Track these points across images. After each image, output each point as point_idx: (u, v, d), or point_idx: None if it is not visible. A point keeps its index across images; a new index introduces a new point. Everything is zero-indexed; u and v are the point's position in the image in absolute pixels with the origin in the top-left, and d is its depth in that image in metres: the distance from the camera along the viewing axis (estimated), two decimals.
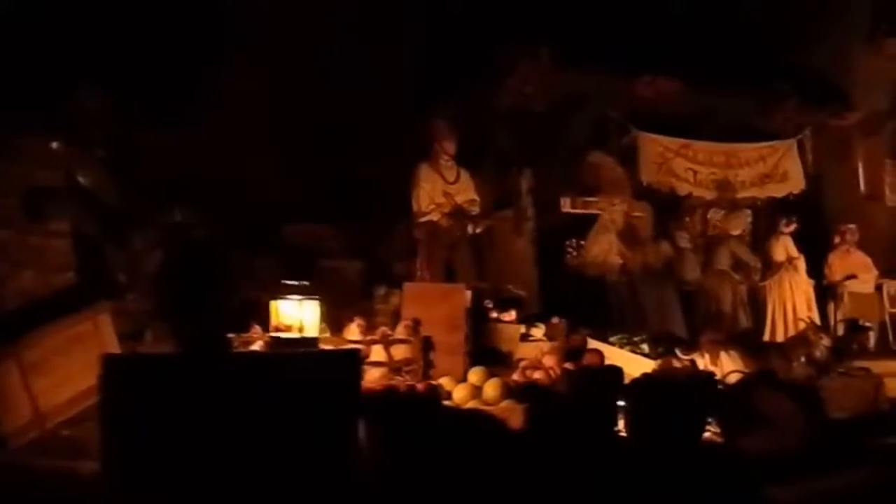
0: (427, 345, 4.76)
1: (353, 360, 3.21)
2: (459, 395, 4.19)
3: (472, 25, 8.79)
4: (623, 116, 9.70)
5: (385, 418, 3.29)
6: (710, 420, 4.61)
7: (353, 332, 5.03)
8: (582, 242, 9.08)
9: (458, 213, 7.66)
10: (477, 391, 4.18)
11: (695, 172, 10.19)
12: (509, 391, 4.21)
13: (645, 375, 4.66)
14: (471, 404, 4.13)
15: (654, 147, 9.92)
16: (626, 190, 10.13)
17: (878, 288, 9.79)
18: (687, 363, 6.14)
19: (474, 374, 4.37)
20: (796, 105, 10.09)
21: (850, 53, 10.81)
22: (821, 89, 10.56)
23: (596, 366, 4.58)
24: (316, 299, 4.10)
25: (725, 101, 10.05)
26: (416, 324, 4.79)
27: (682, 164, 10.12)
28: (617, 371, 4.49)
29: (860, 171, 11.47)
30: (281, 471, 3.01)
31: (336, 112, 9.15)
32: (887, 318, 9.66)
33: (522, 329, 6.74)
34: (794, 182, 10.74)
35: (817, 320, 9.14)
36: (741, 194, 10.49)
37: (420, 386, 3.73)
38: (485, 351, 5.78)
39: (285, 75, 9.07)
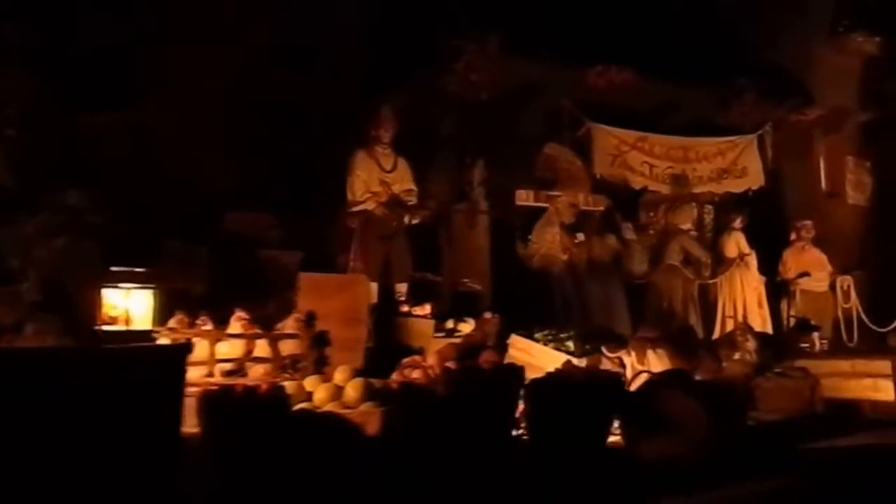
0: (321, 340, 4.25)
1: (175, 357, 2.69)
2: (319, 396, 3.69)
3: (423, 10, 8.23)
4: (577, 107, 9.16)
5: (213, 422, 2.78)
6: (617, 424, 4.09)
7: (234, 326, 4.52)
8: (530, 236, 8.56)
9: (395, 203, 7.12)
10: (339, 392, 3.68)
11: (651, 166, 9.69)
12: (372, 392, 3.71)
13: (547, 375, 4.15)
14: (329, 406, 3.63)
15: (609, 139, 9.41)
16: (585, 183, 9.63)
17: (833, 286, 9.29)
18: (615, 361, 5.64)
19: (340, 374, 3.87)
20: (755, 100, 9.56)
21: (811, 49, 10.33)
22: (781, 85, 10.05)
23: (491, 364, 4.08)
24: (151, 288, 3.58)
25: (683, 95, 9.53)
26: (310, 317, 4.27)
27: (638, 157, 9.61)
28: (514, 371, 3.98)
29: (822, 168, 11.01)
30: (85, 481, 2.48)
31: (284, 99, 8.59)
32: (840, 315, 9.15)
33: (453, 324, 6.20)
34: (754, 178, 10.26)
35: (768, 318, 8.66)
36: (698, 189, 10.00)
37: (263, 386, 3.22)
38: (394, 347, 5.26)
39: (232, 60, 8.52)
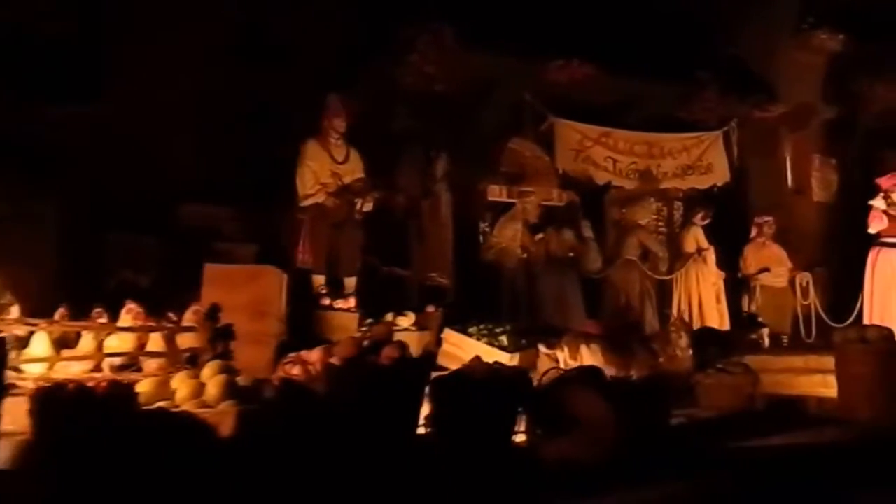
0: (224, 333, 3.96)
1: None
2: (181, 393, 3.41)
3: (380, 1, 7.92)
4: (540, 102, 8.84)
5: (42, 421, 2.51)
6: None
7: (124, 318, 4.23)
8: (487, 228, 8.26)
9: (345, 192, 6.82)
10: (202, 389, 3.40)
11: (615, 161, 9.39)
12: (235, 391, 3.42)
13: (450, 373, 3.87)
14: (189, 404, 3.36)
15: (572, 134, 9.11)
16: (552, 178, 9.33)
17: (793, 282, 8.99)
18: (551, 357, 5.35)
19: (207, 370, 3.59)
20: (718, 96, 9.24)
21: (776, 46, 10.00)
22: (745, 81, 9.73)
23: (390, 360, 3.80)
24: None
25: (646, 90, 9.22)
26: (213, 310, 3.98)
27: (602, 152, 9.31)
28: (417, 367, 3.69)
29: (788, 165, 10.69)
30: None
31: (245, 92, 8.29)
32: (799, 311, 8.85)
33: (392, 317, 5.91)
34: (719, 174, 9.96)
35: (725, 314, 8.37)
36: (663, 185, 9.69)
37: (103, 384, 2.94)
38: (311, 342, 4.96)
39: (194, 54, 8.22)
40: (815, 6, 9.66)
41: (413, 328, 6.02)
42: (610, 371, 5.31)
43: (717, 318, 8.15)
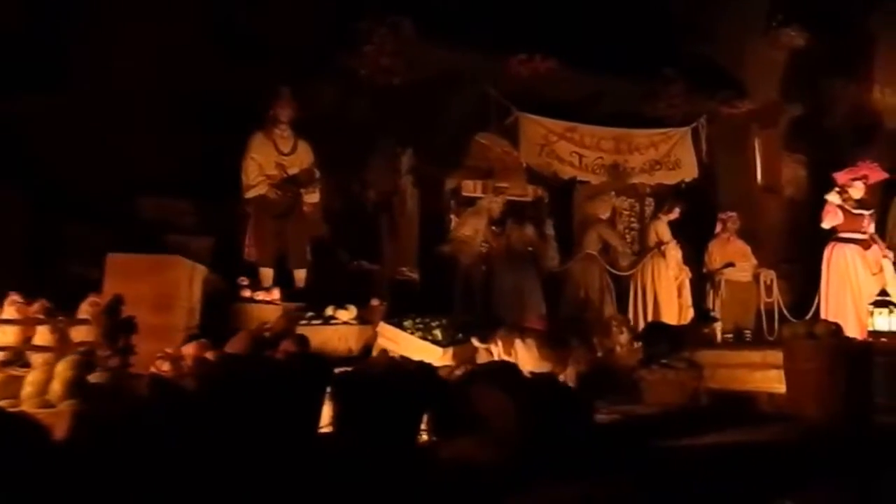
0: (125, 327, 3.65)
1: None
2: (26, 391, 3.09)
3: None
4: (504, 96, 8.51)
5: None
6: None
7: (7, 310, 3.91)
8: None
9: (290, 183, 6.52)
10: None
11: (580, 157, 9.06)
12: (80, 389, 3.11)
13: (353, 368, 3.56)
14: (32, 402, 3.05)
15: (537, 129, 8.79)
16: (521, 174, 9.00)
17: (757, 278, 8.66)
18: (486, 351, 5.04)
19: (61, 365, 3.27)
20: (684, 91, 8.89)
21: (745, 42, 9.65)
22: (713, 77, 9.38)
23: (286, 355, 3.49)
24: None
25: (611, 85, 8.88)
26: (114, 302, 3.65)
27: (567, 147, 8.98)
28: (315, 362, 3.38)
29: (758, 162, 10.35)
30: None
31: (207, 84, 7.97)
32: (762, 307, 8.52)
33: (332, 311, 5.59)
34: (687, 170, 9.62)
35: (687, 309, 8.03)
36: (631, 180, 9.37)
37: None
38: (228, 336, 4.62)
39: (157, 46, 7.91)
40: (784, 4, 9.31)
41: (354, 322, 5.70)
42: (545, 366, 5.02)
43: (676, 313, 7.82)
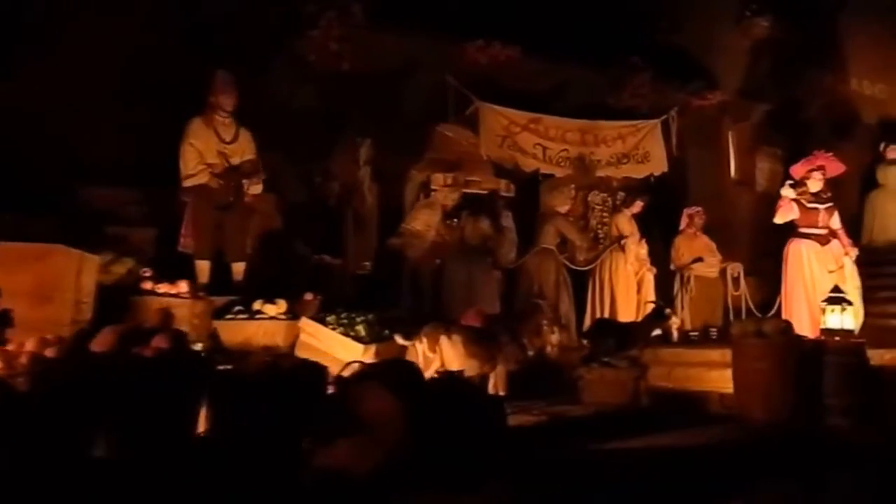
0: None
1: None
2: None
3: None
4: (463, 85, 8.22)
5: None
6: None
7: None
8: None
9: (232, 173, 6.25)
10: None
11: (544, 149, 8.77)
12: None
13: (233, 368, 3.29)
14: None
15: (498, 119, 8.50)
16: (488, 166, 8.73)
17: (723, 273, 8.40)
18: (410, 347, 4.77)
19: None
20: (651, 82, 8.61)
21: (716, 31, 9.34)
22: (682, 68, 9.09)
23: (155, 352, 3.22)
24: None
25: (575, 75, 8.60)
26: None
27: (530, 139, 8.70)
28: (189, 361, 3.12)
29: (731, 156, 10.06)
30: None
31: (156, 70, 7.68)
32: (730, 303, 8.26)
33: (260, 305, 5.32)
34: (656, 164, 9.34)
35: (647, 305, 7.75)
36: (597, 174, 9.07)
37: None
38: None
39: (107, 34, 7.63)
40: None
41: (283, 316, 5.43)
42: (472, 364, 4.76)
43: (634, 309, 7.54)
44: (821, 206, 6.81)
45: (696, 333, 8.10)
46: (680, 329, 8.11)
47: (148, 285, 5.26)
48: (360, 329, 5.10)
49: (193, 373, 3.06)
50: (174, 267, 6.60)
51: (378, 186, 8.34)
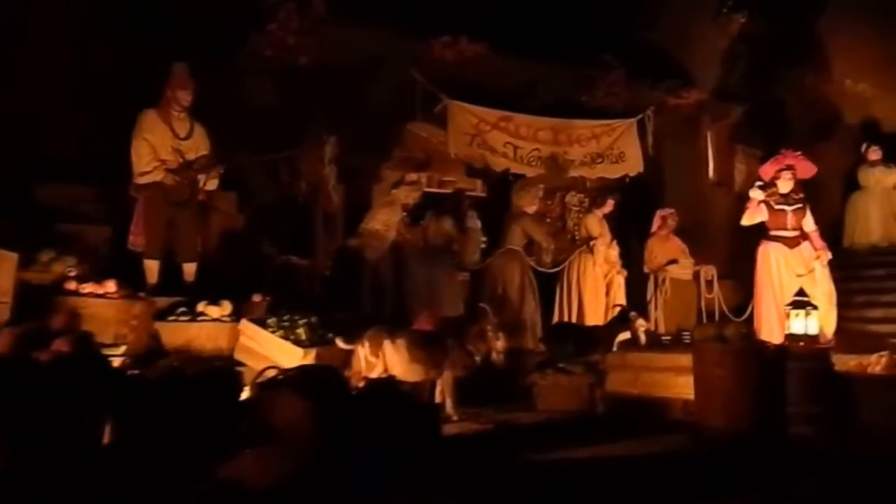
0: None
1: None
2: None
3: None
4: (431, 82, 8.05)
5: None
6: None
7: None
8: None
9: (187, 169, 6.08)
10: None
11: (515, 148, 8.60)
12: None
13: (140, 372, 3.13)
14: None
15: (468, 118, 8.33)
16: (460, 165, 8.59)
17: (697, 275, 8.26)
18: (354, 352, 4.60)
19: None
20: (624, 80, 8.45)
21: (692, 28, 9.19)
22: (658, 66, 8.94)
23: (54, 356, 3.06)
24: None
25: (546, 73, 8.44)
26: None
27: (501, 137, 8.53)
28: (86, 366, 2.95)
29: (709, 156, 9.91)
30: None
31: (116, 66, 7.50)
32: (703, 306, 8.11)
33: (204, 306, 5.14)
34: (632, 164, 9.16)
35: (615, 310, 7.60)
36: (570, 174, 8.92)
37: None
38: (54, 333, 4.14)
39: (62, 27, 7.45)
40: None
41: (227, 318, 5.26)
42: (416, 370, 4.60)
43: (602, 313, 7.38)
44: (788, 208, 6.67)
45: (668, 338, 7.94)
46: (652, 332, 7.98)
47: (72, 285, 5.07)
48: (301, 332, 4.93)
49: (94, 378, 2.88)
50: (130, 266, 6.45)
51: (344, 185, 8.17)
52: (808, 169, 6.96)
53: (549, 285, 7.93)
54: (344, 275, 7.23)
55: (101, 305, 4.82)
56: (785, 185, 6.72)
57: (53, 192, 7.21)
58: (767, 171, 6.91)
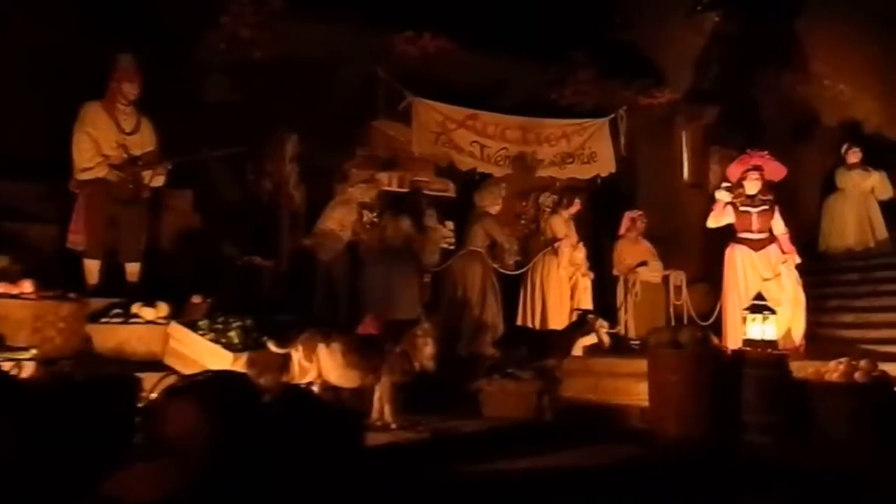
0: None
1: None
2: None
3: None
4: (396, 79, 7.89)
5: None
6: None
7: None
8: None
9: (132, 165, 5.90)
10: None
11: (482, 146, 8.44)
12: None
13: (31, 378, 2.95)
14: None
15: (433, 115, 8.17)
16: (430, 165, 8.43)
17: (665, 279, 8.12)
18: (290, 357, 4.43)
19: None
20: (594, 79, 8.30)
21: (665, 26, 9.04)
22: (629, 64, 8.79)
23: None
24: None
25: (515, 71, 8.28)
26: None
27: (467, 136, 8.37)
28: None
29: (684, 157, 9.75)
30: None
31: (66, 55, 7.30)
32: (672, 311, 7.96)
33: (138, 308, 4.95)
34: (603, 164, 9.00)
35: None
36: (539, 174, 8.76)
37: None
38: None
39: (14, 20, 7.25)
40: None
41: (162, 321, 5.08)
42: (352, 375, 4.43)
43: (566, 316, 7.22)
44: (753, 210, 6.52)
45: (637, 342, 7.81)
46: (621, 336, 7.85)
47: None
48: (234, 335, 4.75)
49: None
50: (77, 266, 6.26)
51: (308, 184, 8.01)
52: (776, 170, 6.82)
53: (514, 287, 7.78)
54: (298, 276, 7.06)
55: (15, 306, 4.63)
56: (752, 186, 6.57)
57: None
58: (734, 171, 6.77)
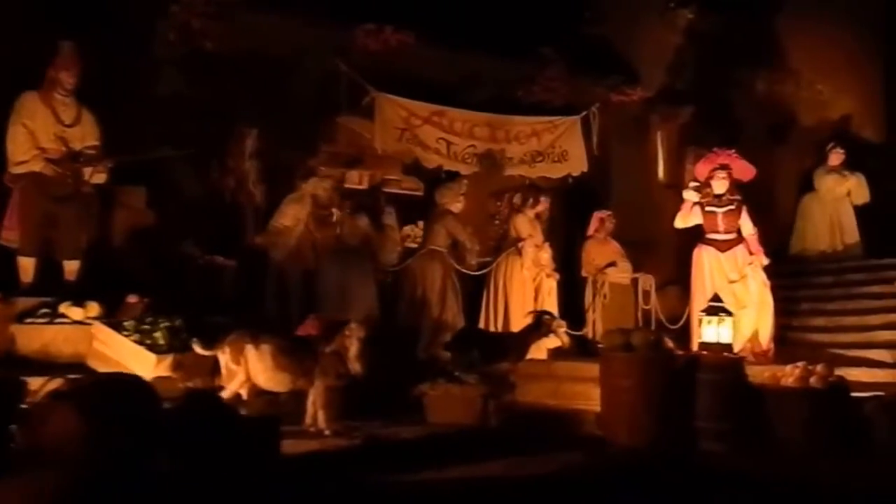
0: None
1: None
2: None
3: None
4: (360, 74, 7.69)
5: None
6: None
7: None
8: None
9: (71, 160, 5.69)
10: None
11: (448, 144, 8.23)
12: None
13: None
14: None
15: (397, 111, 7.96)
16: (396, 162, 8.23)
17: (634, 282, 7.97)
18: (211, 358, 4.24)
19: None
20: (565, 75, 8.12)
21: (638, 23, 8.90)
22: (601, 60, 8.62)
23: None
24: None
25: (482, 66, 8.11)
26: None
27: (433, 133, 8.16)
28: None
29: (659, 156, 9.61)
30: None
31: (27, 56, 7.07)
32: (640, 315, 7.80)
33: (66, 308, 4.75)
34: (575, 163, 8.80)
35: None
36: (507, 172, 8.57)
37: None
38: None
39: None
40: None
41: (91, 321, 4.87)
42: (282, 378, 4.24)
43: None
44: (719, 210, 6.36)
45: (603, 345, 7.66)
46: (589, 339, 7.69)
47: None
48: (158, 336, 4.56)
49: None
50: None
51: (270, 182, 7.81)
52: (745, 169, 6.66)
53: (477, 288, 7.61)
54: (253, 276, 6.87)
55: None
56: (719, 185, 6.42)
57: None
58: (702, 170, 6.63)
